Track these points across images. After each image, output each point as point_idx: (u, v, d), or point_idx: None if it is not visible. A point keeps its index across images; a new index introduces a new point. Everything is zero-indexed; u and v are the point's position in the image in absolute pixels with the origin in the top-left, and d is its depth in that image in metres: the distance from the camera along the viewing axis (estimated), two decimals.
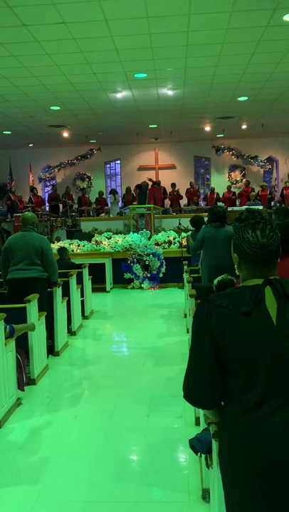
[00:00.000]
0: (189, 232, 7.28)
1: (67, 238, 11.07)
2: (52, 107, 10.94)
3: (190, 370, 1.48)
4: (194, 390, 1.47)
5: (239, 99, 10.70)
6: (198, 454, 2.19)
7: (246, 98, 10.66)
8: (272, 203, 14.59)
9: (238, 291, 1.43)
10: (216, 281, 3.61)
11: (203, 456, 2.14)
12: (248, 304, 1.37)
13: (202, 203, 15.27)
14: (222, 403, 1.50)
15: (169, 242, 9.45)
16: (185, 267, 6.44)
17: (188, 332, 5.56)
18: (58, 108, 11.02)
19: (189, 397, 1.49)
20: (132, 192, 14.85)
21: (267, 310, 1.37)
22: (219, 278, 3.59)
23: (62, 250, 6.92)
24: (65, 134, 14.24)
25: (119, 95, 10.09)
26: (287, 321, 1.35)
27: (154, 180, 14.80)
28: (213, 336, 1.39)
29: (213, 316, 1.40)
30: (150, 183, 14.06)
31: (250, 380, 1.34)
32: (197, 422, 3.32)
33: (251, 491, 1.33)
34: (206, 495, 2.50)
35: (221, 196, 15.03)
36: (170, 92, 10.00)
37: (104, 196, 15.62)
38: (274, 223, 1.46)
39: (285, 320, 1.35)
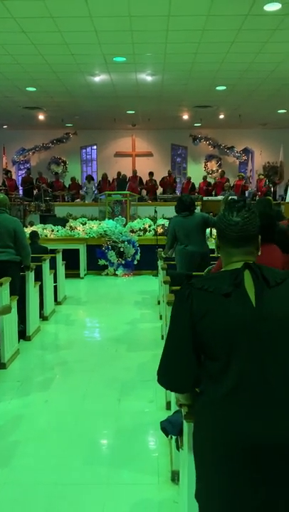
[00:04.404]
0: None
1: (41, 223, 10.90)
2: (28, 88, 10.67)
3: (166, 353, 1.48)
4: (168, 374, 1.48)
5: (217, 88, 10.70)
6: (169, 436, 2.21)
7: (224, 87, 10.68)
8: (247, 194, 14.74)
9: (219, 275, 1.46)
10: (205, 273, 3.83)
11: (173, 438, 2.16)
12: (228, 286, 1.40)
13: (178, 193, 15.26)
14: (196, 389, 1.51)
15: (144, 230, 9.44)
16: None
17: (161, 318, 5.59)
18: (33, 89, 10.76)
19: (163, 380, 1.50)
20: (108, 179, 14.68)
21: (246, 292, 1.39)
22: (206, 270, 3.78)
23: (34, 234, 6.81)
24: (41, 117, 13.94)
25: (97, 78, 9.92)
26: (265, 303, 1.38)
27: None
28: (192, 319, 1.40)
29: (194, 299, 1.42)
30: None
31: (228, 362, 1.36)
32: (168, 407, 3.35)
33: (223, 468, 1.36)
34: (174, 476, 2.53)
35: (196, 186, 15.04)
36: (149, 78, 9.91)
37: (77, 182, 15.39)
38: (254, 209, 1.50)
39: (263, 302, 1.38)
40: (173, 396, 2.70)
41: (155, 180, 15.12)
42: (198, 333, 1.40)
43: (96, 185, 15.22)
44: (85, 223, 9.76)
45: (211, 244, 5.94)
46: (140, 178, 15.12)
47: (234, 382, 1.34)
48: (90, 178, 15.09)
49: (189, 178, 15.19)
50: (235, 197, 11.93)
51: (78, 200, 13.93)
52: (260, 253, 1.54)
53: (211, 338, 1.38)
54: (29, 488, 2.53)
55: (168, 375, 1.48)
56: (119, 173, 13.86)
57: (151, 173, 15.16)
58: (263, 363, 1.34)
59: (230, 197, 4.70)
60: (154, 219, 9.71)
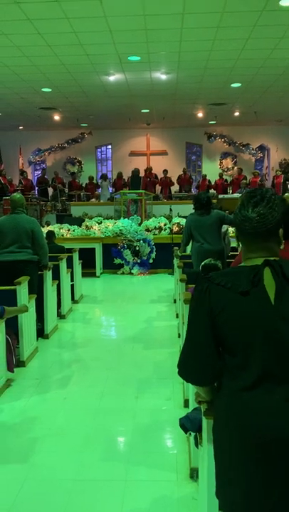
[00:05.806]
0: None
1: (57, 223, 10.99)
2: (43, 89, 10.77)
3: (186, 346, 1.48)
4: (189, 366, 1.48)
5: (232, 85, 10.63)
6: (188, 433, 2.22)
7: (240, 85, 10.60)
8: None
9: (238, 271, 1.43)
10: (200, 266, 3.73)
11: (192, 435, 2.16)
12: (246, 284, 1.37)
13: (194, 190, 15.23)
14: (215, 384, 1.52)
15: (160, 228, 9.44)
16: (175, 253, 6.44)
17: (177, 317, 5.59)
18: (49, 90, 10.86)
19: (184, 373, 1.49)
20: (124, 178, 14.74)
21: (265, 290, 1.36)
22: (203, 263, 3.69)
23: (50, 234, 6.87)
24: (56, 117, 14.05)
25: (111, 78, 9.96)
26: (285, 301, 1.35)
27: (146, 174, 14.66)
28: (211, 313, 1.40)
29: (212, 293, 1.41)
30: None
31: (246, 358, 1.35)
32: (186, 404, 3.36)
33: (242, 463, 1.36)
34: (193, 474, 2.54)
35: (212, 183, 15.02)
36: (163, 77, 9.90)
37: (94, 181, 15.50)
38: (275, 202, 1.43)
39: (283, 301, 1.35)
40: (191, 394, 2.71)
41: (170, 177, 15.12)
42: (217, 325, 1.39)
43: (111, 183, 15.29)
44: (101, 222, 9.80)
45: (233, 243, 5.93)
46: (155, 175, 15.13)
47: (252, 378, 1.34)
48: (105, 177, 15.17)
49: (205, 176, 15.16)
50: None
51: (94, 199, 14.01)
52: (282, 247, 1.48)
53: (229, 333, 1.38)
54: (48, 484, 2.56)
55: (188, 367, 1.48)
56: (133, 171, 13.90)
57: (165, 171, 15.15)
58: (280, 361, 1.33)
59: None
60: (169, 217, 9.70)
